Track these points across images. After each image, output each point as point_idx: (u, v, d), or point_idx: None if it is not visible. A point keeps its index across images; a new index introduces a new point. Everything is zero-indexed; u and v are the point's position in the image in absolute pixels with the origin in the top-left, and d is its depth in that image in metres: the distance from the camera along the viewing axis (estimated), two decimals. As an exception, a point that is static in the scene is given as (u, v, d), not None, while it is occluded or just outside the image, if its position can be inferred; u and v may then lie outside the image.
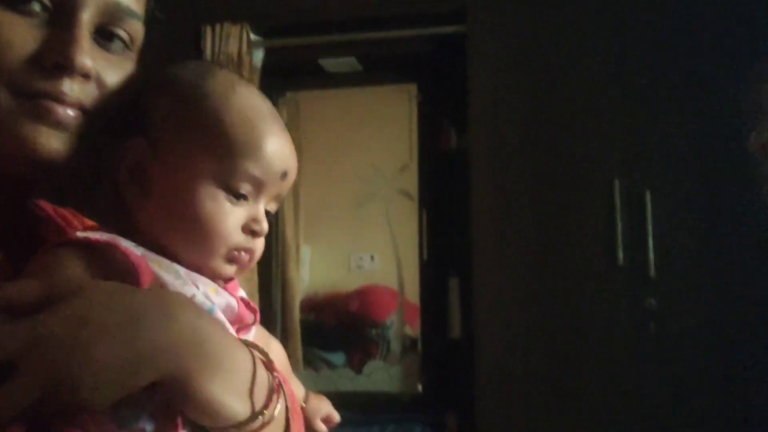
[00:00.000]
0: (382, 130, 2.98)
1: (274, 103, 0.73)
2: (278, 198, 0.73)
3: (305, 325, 2.96)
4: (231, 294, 0.70)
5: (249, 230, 0.69)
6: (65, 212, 0.84)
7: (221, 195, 0.67)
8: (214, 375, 0.61)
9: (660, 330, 2.21)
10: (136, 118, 0.70)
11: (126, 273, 0.62)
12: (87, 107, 0.67)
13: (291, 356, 2.95)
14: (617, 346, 2.24)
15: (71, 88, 0.65)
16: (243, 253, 0.70)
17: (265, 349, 0.76)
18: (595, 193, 2.31)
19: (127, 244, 0.65)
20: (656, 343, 2.22)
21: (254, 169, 0.68)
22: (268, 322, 0.76)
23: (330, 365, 2.92)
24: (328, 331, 3.03)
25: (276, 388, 0.66)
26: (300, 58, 2.78)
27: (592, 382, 2.25)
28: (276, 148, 0.69)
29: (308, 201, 3.05)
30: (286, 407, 0.68)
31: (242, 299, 0.73)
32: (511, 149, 2.40)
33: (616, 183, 2.28)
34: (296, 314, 2.91)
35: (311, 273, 3.12)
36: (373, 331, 2.95)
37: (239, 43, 2.59)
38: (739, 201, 2.21)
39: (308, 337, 2.95)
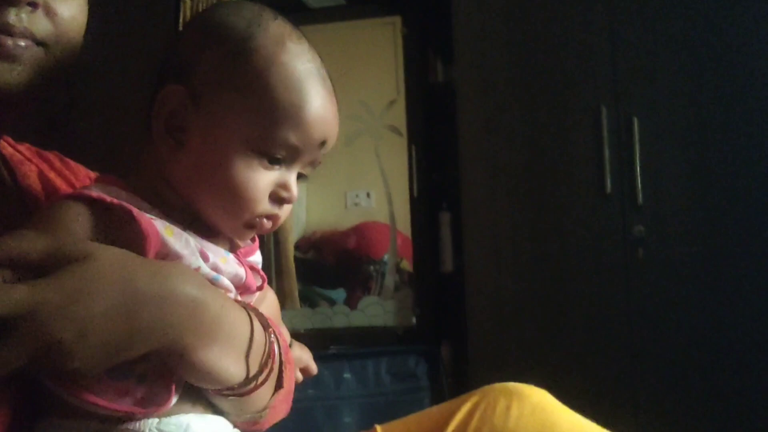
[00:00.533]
0: (368, 66, 2.94)
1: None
2: (314, 164, 0.71)
3: (305, 264, 2.98)
4: (241, 263, 0.70)
5: (277, 197, 0.68)
6: (50, 156, 0.83)
7: (255, 161, 0.66)
8: (211, 344, 0.61)
9: (648, 257, 2.23)
10: (179, 63, 0.67)
11: (134, 238, 0.61)
12: (42, 39, 0.65)
13: (286, 295, 2.96)
14: (606, 273, 2.27)
15: (18, 18, 0.63)
16: (266, 220, 0.69)
17: (261, 299, 0.77)
18: (582, 121, 2.30)
19: (140, 205, 0.63)
20: (645, 270, 2.24)
21: (293, 138, 0.66)
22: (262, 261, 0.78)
23: (330, 302, 2.96)
24: (328, 269, 3.06)
25: (271, 349, 0.67)
26: (281, -6, 2.72)
27: (581, 310, 2.28)
28: (318, 116, 0.67)
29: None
30: (280, 360, 0.69)
31: (252, 267, 0.72)
32: (498, 79, 2.38)
33: (604, 110, 2.27)
34: (290, 253, 2.93)
35: (308, 212, 3.12)
36: (371, 267, 2.98)
37: (218, -20, 2.53)
38: (728, 126, 2.20)
39: (308, 276, 2.97)
